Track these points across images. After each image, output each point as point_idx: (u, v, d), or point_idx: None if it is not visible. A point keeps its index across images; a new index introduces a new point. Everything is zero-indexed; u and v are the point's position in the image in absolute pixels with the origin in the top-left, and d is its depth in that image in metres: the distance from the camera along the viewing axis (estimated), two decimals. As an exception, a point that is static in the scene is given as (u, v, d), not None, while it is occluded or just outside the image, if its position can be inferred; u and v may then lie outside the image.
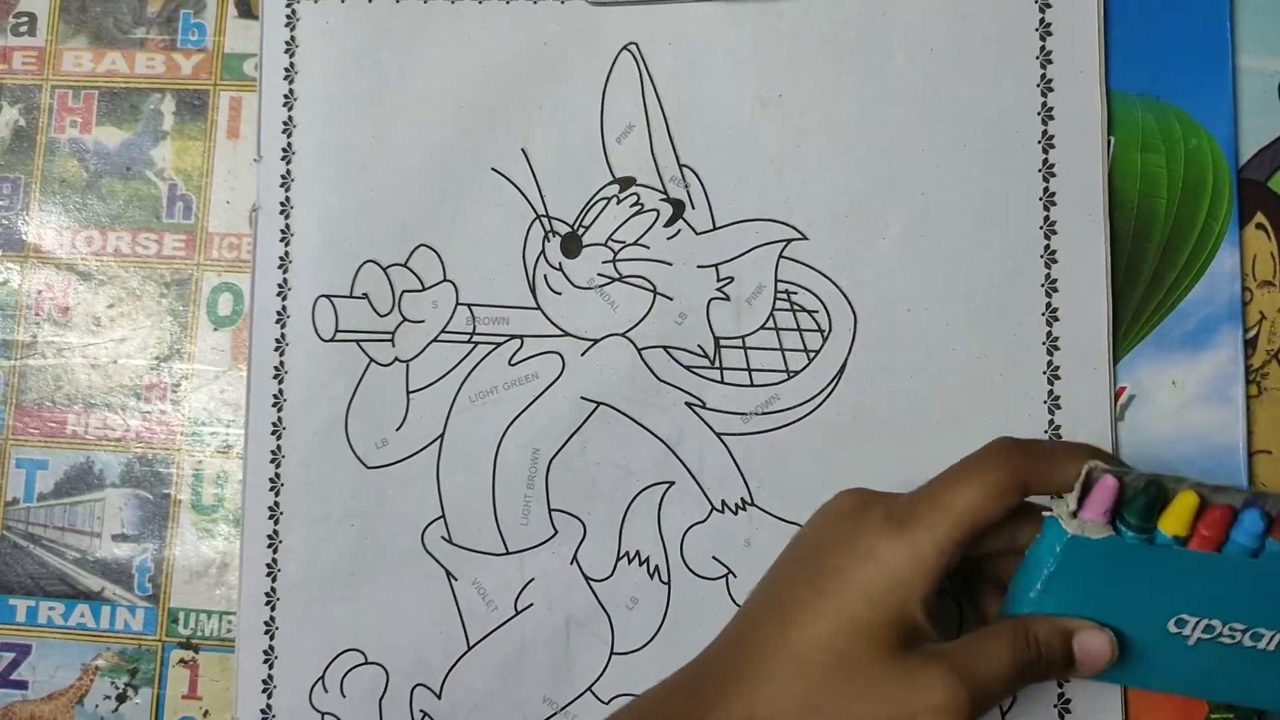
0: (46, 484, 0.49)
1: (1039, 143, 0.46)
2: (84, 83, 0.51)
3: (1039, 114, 0.46)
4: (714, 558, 0.46)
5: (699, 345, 0.46)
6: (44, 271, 0.50)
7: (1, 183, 0.51)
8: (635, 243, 0.47)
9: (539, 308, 0.47)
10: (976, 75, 0.46)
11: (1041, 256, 0.45)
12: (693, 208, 0.47)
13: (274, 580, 0.47)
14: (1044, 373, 0.45)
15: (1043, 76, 0.46)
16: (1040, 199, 0.46)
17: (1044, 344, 0.45)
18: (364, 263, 0.48)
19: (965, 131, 0.46)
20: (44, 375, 0.50)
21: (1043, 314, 0.45)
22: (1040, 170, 0.46)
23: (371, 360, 0.47)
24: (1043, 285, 0.45)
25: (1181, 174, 0.46)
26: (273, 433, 0.47)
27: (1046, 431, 0.45)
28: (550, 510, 0.46)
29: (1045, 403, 0.45)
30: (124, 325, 0.50)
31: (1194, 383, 0.45)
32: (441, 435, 0.47)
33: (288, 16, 0.49)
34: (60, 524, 0.49)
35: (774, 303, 0.46)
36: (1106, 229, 0.45)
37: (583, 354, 0.47)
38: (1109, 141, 0.46)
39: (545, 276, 0.47)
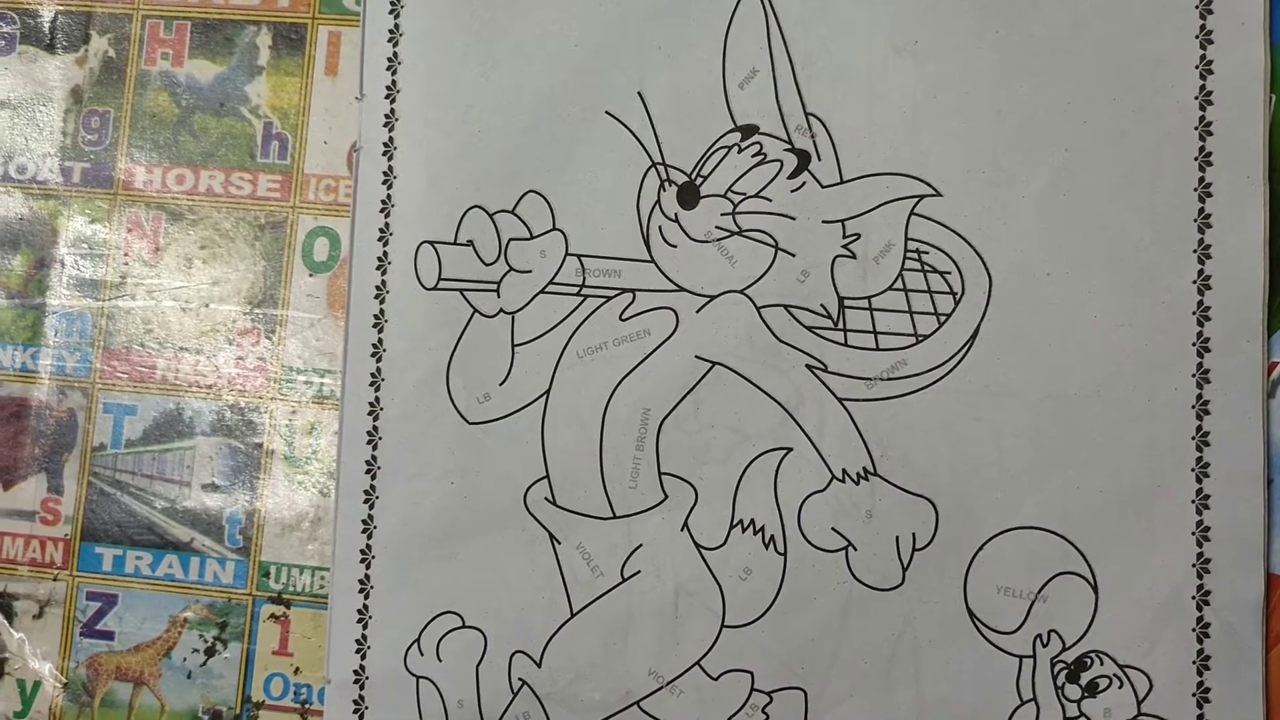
0: (135, 430, 0.47)
1: (1195, 99, 0.43)
2: (176, 13, 0.49)
3: (1196, 68, 0.43)
4: (833, 529, 0.43)
5: (822, 305, 0.44)
6: (133, 210, 0.48)
7: (90, 116, 0.49)
8: (756, 195, 0.44)
9: (653, 260, 0.45)
10: (1129, 25, 0.43)
11: (1195, 220, 0.43)
12: (819, 159, 0.44)
13: (370, 537, 0.45)
14: (1193, 344, 0.42)
15: (1202, 28, 0.43)
16: (1195, 159, 0.43)
17: (1194, 314, 0.42)
18: (470, 208, 0.45)
19: (1115, 85, 0.43)
20: (133, 318, 0.48)
21: (1194, 281, 0.42)
22: (1196, 128, 0.43)
23: (475, 311, 0.45)
24: (1195, 251, 0.42)
25: (1345, 136, 0.43)
26: (371, 384, 0.45)
27: (1194, 408, 0.42)
28: (660, 474, 0.44)
29: (1194, 376, 0.42)
30: (216, 268, 0.48)
31: (1350, 360, 0.42)
32: (547, 391, 0.45)
33: (393, -53, 0.47)
34: (148, 472, 0.47)
35: (903, 262, 0.44)
36: (1266, 193, 0.42)
37: (698, 311, 0.44)
38: (1270, 99, 0.43)
39: (660, 228, 0.45)
